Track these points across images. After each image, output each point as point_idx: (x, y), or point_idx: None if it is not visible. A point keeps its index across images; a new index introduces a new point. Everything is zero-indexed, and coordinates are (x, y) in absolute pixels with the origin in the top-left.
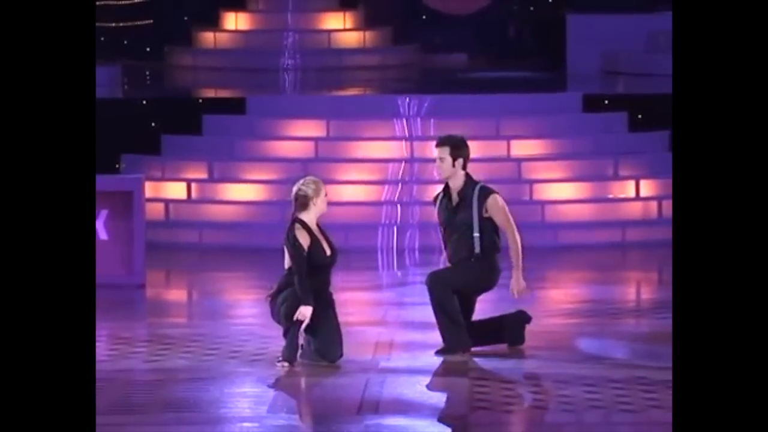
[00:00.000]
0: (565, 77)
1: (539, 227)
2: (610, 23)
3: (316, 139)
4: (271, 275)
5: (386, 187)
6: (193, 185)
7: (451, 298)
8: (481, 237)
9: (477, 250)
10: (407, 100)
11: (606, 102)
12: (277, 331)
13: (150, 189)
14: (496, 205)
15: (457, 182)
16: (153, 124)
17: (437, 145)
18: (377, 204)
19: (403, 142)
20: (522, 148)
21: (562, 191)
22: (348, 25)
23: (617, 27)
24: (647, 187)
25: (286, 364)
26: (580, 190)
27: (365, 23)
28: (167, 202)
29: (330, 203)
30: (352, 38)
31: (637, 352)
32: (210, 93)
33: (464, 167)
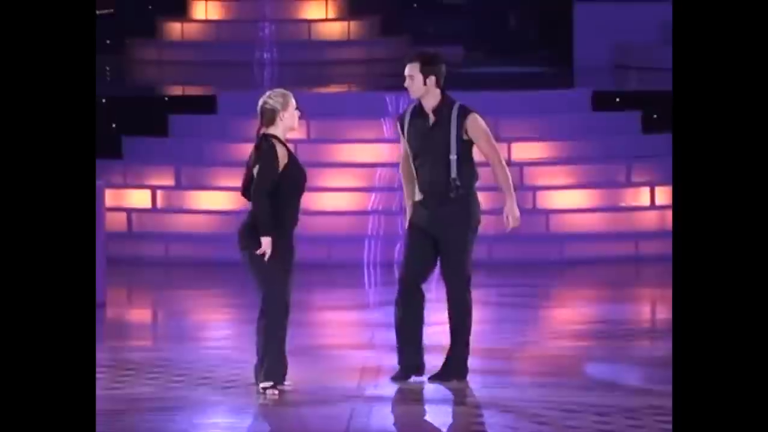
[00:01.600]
0: (572, 72)
1: (544, 239)
2: (621, 12)
3: (295, 142)
4: (244, 292)
5: (373, 194)
6: (159, 193)
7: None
8: (458, 161)
9: (454, 174)
10: (396, 98)
11: (617, 100)
12: (252, 355)
13: (110, 197)
14: (478, 126)
15: (431, 101)
16: (113, 125)
17: (407, 62)
18: (363, 213)
19: (392, 145)
20: (524, 151)
21: (568, 199)
22: (330, 15)
23: (629, 16)
24: (663, 195)
25: (273, 389)
26: (588, 198)
27: (350, 12)
28: (129, 211)
29: (311, 213)
30: (335, 29)
31: (653, 378)
32: (177, 90)
33: (438, 85)
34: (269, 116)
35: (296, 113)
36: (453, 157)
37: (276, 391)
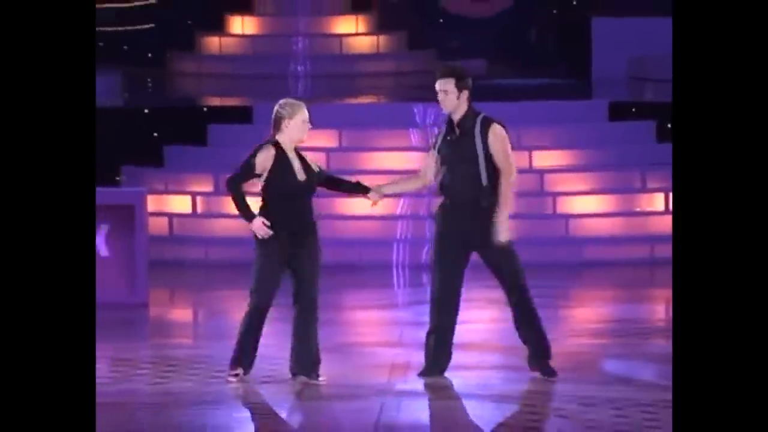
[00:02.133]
0: (589, 84)
1: (563, 242)
2: (637, 27)
3: (327, 150)
4: (280, 293)
5: (401, 200)
6: (199, 198)
7: None
8: (486, 169)
9: (485, 182)
10: (423, 108)
11: (633, 110)
12: (287, 352)
13: (152, 203)
14: (497, 137)
15: (459, 114)
16: (155, 135)
17: (440, 77)
18: (392, 218)
19: (419, 153)
20: (545, 159)
21: (587, 204)
22: (361, 30)
23: (645, 31)
24: None
25: (233, 373)
26: (606, 203)
27: (379, 28)
28: (171, 216)
29: (343, 217)
30: (365, 43)
31: (667, 374)
32: (215, 101)
33: (469, 99)
34: (276, 123)
35: (304, 125)
36: (481, 166)
37: (233, 378)
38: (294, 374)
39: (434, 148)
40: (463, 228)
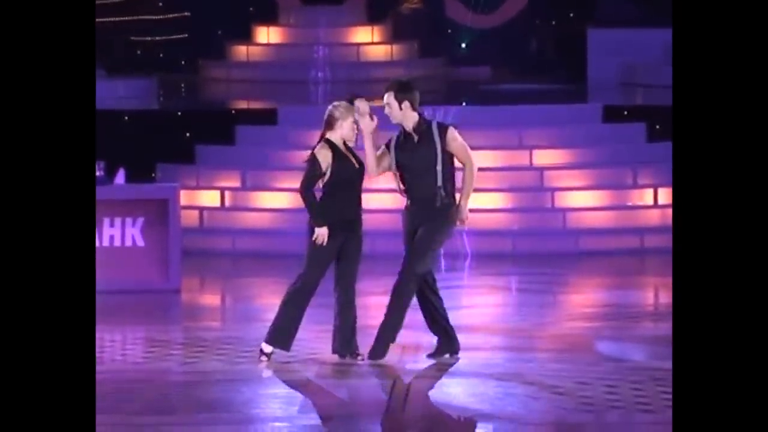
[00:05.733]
0: (585, 89)
1: (561, 234)
2: (628, 37)
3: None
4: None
5: None
6: (227, 193)
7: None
8: (443, 170)
9: (439, 183)
10: (433, 110)
11: (625, 113)
12: (308, 333)
13: (185, 197)
14: (455, 137)
15: (410, 123)
16: (188, 135)
17: (383, 92)
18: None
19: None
20: (544, 157)
21: (582, 199)
22: (376, 39)
23: (636, 40)
24: (665, 195)
25: (266, 352)
26: (600, 198)
27: (393, 37)
28: (202, 209)
29: None
30: (380, 51)
31: (656, 354)
32: (242, 104)
33: (414, 109)
34: (329, 121)
35: (354, 127)
36: (438, 168)
37: (265, 357)
38: (339, 354)
39: (389, 150)
40: (419, 224)
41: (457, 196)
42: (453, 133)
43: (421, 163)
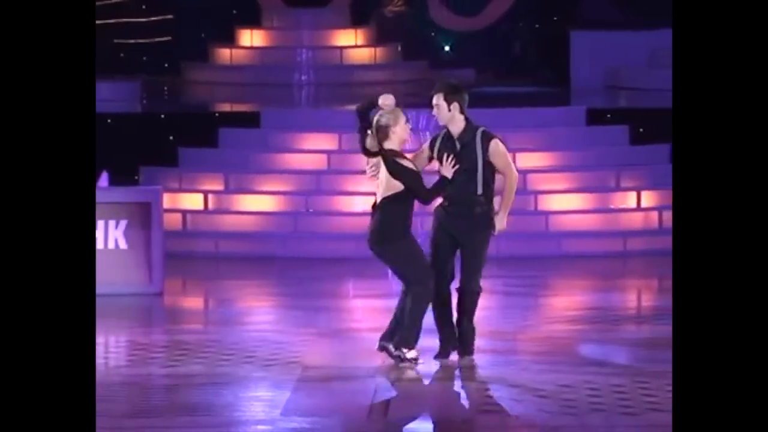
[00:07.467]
0: (569, 92)
1: (543, 236)
2: (612, 40)
3: (328, 152)
4: (283, 282)
5: None
6: (210, 196)
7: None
8: (483, 177)
9: (480, 191)
10: (416, 114)
11: (608, 116)
12: (290, 336)
13: (168, 200)
14: (498, 149)
15: (456, 127)
16: (171, 137)
17: (433, 92)
18: None
19: (410, 154)
20: (528, 160)
21: (566, 202)
22: (359, 42)
23: (619, 44)
24: (648, 198)
25: (409, 354)
26: (583, 201)
27: (376, 40)
28: (184, 212)
29: (344, 214)
30: (363, 54)
31: (638, 357)
32: (226, 107)
33: (461, 111)
34: (383, 132)
35: (407, 126)
36: (479, 176)
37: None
38: (395, 347)
39: (430, 147)
40: (456, 228)
41: (496, 200)
42: (497, 146)
43: (460, 169)
